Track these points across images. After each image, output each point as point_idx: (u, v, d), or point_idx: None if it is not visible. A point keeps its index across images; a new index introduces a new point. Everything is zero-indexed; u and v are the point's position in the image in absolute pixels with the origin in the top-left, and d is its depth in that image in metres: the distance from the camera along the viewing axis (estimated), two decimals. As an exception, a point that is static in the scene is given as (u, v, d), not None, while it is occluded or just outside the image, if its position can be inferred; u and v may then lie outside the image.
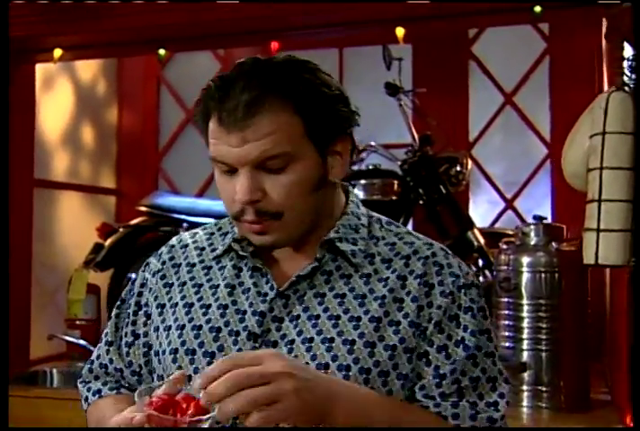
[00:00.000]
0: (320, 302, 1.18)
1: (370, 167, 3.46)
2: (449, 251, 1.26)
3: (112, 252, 3.80)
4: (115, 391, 1.33)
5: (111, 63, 4.44)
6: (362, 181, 3.42)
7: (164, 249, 1.35)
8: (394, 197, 3.43)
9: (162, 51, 3.09)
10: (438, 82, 3.91)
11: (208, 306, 1.21)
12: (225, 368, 0.95)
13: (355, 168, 3.44)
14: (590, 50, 3.34)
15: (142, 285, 1.33)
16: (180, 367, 1.19)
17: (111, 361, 1.33)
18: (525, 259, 2.76)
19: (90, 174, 4.40)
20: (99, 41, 3.36)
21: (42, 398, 3.17)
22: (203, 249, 1.31)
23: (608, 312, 2.98)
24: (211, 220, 3.72)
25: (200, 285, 1.25)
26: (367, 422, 1.05)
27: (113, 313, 1.36)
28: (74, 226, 4.20)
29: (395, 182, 3.42)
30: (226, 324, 1.19)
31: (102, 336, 1.37)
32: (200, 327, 1.20)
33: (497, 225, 4.03)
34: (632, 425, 2.27)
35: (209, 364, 1.14)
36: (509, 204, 4.09)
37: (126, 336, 1.32)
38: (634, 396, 1.72)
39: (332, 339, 1.14)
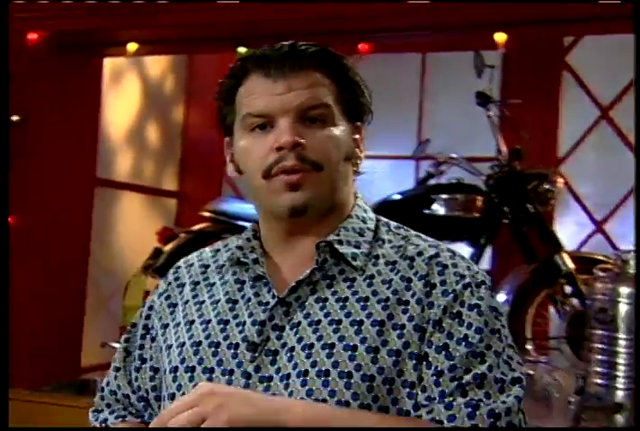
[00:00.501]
0: (322, 307, 1.14)
1: (453, 181, 3.33)
2: (457, 252, 1.21)
3: (172, 259, 3.62)
4: (120, 419, 1.31)
5: (180, 59, 4.41)
6: (443, 196, 3.30)
7: (171, 270, 1.36)
8: (477, 215, 3.28)
9: (242, 49, 2.95)
10: (528, 92, 3.79)
11: (208, 321, 1.20)
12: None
13: (434, 181, 3.31)
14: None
15: (150, 308, 1.32)
16: (179, 386, 1.19)
17: (118, 387, 1.32)
18: (624, 290, 2.58)
19: (153, 175, 4.39)
20: (175, 36, 3.32)
21: (81, 408, 3.07)
22: (208, 266, 1.30)
23: None
24: None
25: (202, 302, 1.24)
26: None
27: (123, 338, 1.35)
28: (133, 229, 4.18)
29: (480, 198, 3.27)
30: (226, 338, 1.17)
31: (112, 362, 1.35)
32: (199, 343, 1.19)
33: (583, 249, 3.91)
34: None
35: (209, 380, 1.15)
36: (599, 227, 3.99)
37: (134, 360, 1.32)
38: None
39: (332, 345, 1.10)
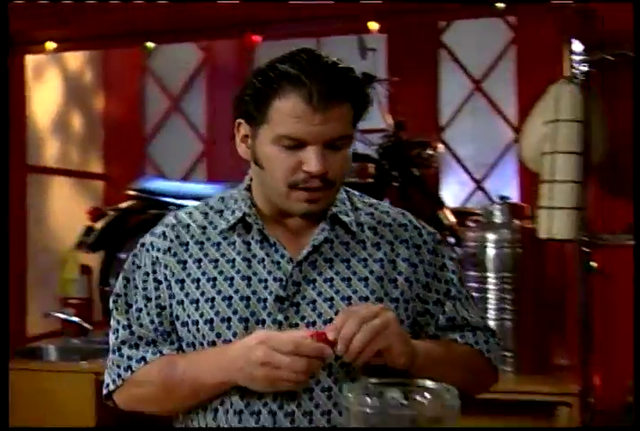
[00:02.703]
0: (330, 266, 1.37)
1: (348, 151, 3.65)
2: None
3: (103, 235, 3.95)
4: (158, 354, 1.38)
5: (97, 53, 4.58)
6: (339, 165, 3.61)
7: (163, 229, 1.45)
8: (370, 180, 3.61)
9: (150, 44, 3.26)
10: (410, 70, 4.06)
11: (232, 278, 1.35)
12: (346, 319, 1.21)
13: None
14: (553, 41, 3.52)
15: (153, 264, 1.42)
16: (218, 334, 1.32)
17: (131, 333, 1.41)
18: (490, 236, 2.99)
19: (79, 160, 4.56)
20: (87, 35, 3.52)
21: (41, 371, 3.37)
22: (205, 227, 1.43)
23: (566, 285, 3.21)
24: (197, 202, 3.88)
25: (217, 260, 1.38)
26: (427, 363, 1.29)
27: (115, 294, 1.45)
28: (65, 210, 4.34)
29: (371, 166, 3.62)
30: (254, 293, 1.34)
31: (118, 317, 1.43)
32: (230, 297, 1.34)
33: (468, 205, 4.22)
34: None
35: (245, 329, 1.31)
36: (478, 185, 4.30)
37: (146, 307, 1.41)
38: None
39: (349, 298, 1.34)
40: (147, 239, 1.45)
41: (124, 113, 4.73)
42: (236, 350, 1.25)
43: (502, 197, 3.13)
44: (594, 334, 2.53)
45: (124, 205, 4.02)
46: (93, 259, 4.16)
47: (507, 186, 4.13)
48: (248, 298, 1.33)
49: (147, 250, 1.43)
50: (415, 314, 1.41)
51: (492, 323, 2.86)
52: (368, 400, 0.98)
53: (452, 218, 3.57)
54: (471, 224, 3.18)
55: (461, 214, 3.63)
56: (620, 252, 2.64)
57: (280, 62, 1.29)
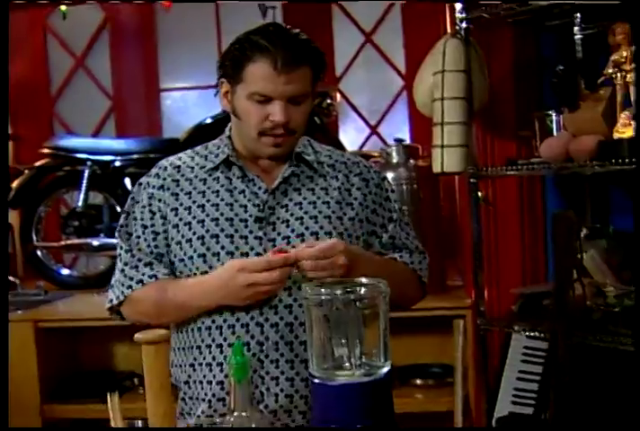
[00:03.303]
0: (298, 193, 1.69)
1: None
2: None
3: (20, 193, 4.09)
4: (154, 278, 1.66)
5: None
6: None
7: (157, 170, 1.73)
8: None
9: (63, 7, 3.38)
10: (307, 26, 4.12)
11: (217, 204, 1.66)
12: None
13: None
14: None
15: (149, 198, 1.71)
16: (208, 248, 1.62)
17: (138, 261, 1.68)
18: (389, 175, 3.27)
19: None
20: None
21: None
22: (193, 168, 1.72)
23: (458, 215, 3.61)
24: (112, 157, 4.04)
25: (204, 192, 1.68)
26: (369, 270, 1.53)
27: (120, 225, 1.73)
28: None
29: None
30: (236, 215, 1.65)
31: (121, 244, 1.72)
32: (217, 219, 1.64)
33: (365, 149, 4.51)
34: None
35: (232, 243, 1.61)
36: (373, 130, 4.58)
37: (144, 234, 1.69)
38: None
39: (315, 217, 1.67)
40: (144, 179, 1.74)
41: (29, 74, 4.78)
42: (218, 280, 1.57)
43: (398, 140, 3.47)
44: (483, 255, 2.88)
45: (40, 163, 4.11)
46: (13, 217, 4.29)
47: (399, 130, 4.41)
48: (232, 219, 1.64)
49: (144, 188, 1.72)
50: (365, 236, 1.74)
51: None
52: (322, 289, 1.31)
53: (353, 161, 3.87)
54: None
55: (361, 157, 3.89)
56: (500, 182, 3.05)
57: (252, 33, 1.61)
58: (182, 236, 1.66)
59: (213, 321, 1.61)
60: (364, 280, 1.37)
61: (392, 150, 3.41)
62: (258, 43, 1.58)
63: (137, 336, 1.16)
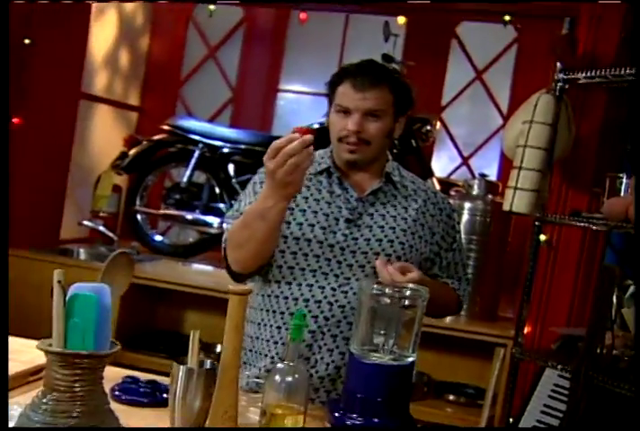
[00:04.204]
0: (383, 207, 1.93)
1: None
2: None
3: (135, 160, 4.46)
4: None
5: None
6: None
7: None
8: None
9: (212, 7, 3.76)
10: (424, 56, 4.55)
11: (318, 200, 1.91)
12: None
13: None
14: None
15: (262, 182, 1.89)
16: (303, 233, 1.86)
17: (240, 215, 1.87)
18: (466, 205, 3.61)
19: (121, 92, 5.07)
20: None
21: (67, 266, 3.69)
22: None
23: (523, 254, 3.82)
24: (222, 143, 4.37)
25: (308, 187, 1.92)
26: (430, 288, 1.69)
27: (240, 193, 2.04)
28: (104, 135, 4.84)
29: None
30: (332, 212, 1.90)
31: (234, 206, 1.97)
32: (316, 212, 1.89)
33: (452, 177, 4.75)
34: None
35: (323, 233, 1.86)
36: (464, 161, 4.85)
37: (249, 203, 1.88)
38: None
39: (394, 228, 1.91)
40: (262, 169, 1.92)
41: (166, 55, 5.22)
42: (264, 189, 1.71)
43: (482, 175, 3.74)
44: (534, 293, 3.09)
45: (157, 137, 4.48)
46: (124, 181, 4.72)
47: (489, 166, 4.67)
48: (328, 215, 1.89)
49: (261, 174, 1.96)
50: (429, 254, 1.97)
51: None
52: (375, 285, 1.62)
53: (438, 186, 4.09)
54: (453, 193, 3.77)
55: (446, 184, 4.18)
56: (567, 230, 3.25)
57: (350, 64, 1.92)
58: (287, 222, 1.88)
59: (292, 293, 1.90)
60: (411, 285, 1.67)
61: (474, 183, 3.69)
62: (348, 69, 1.89)
63: (230, 287, 1.44)
